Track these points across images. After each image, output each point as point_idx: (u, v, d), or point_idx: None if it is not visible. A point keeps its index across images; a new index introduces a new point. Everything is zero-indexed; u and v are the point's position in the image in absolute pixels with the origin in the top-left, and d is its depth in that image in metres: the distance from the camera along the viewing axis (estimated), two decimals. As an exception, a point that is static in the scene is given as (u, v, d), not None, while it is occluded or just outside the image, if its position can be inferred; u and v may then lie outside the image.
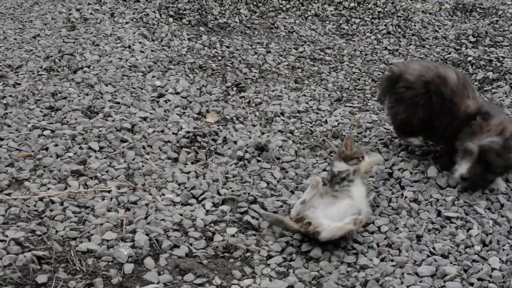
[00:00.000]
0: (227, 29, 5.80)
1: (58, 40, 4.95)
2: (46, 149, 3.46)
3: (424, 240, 2.93)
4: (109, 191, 3.13)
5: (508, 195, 3.34)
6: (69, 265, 2.62)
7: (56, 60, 4.57)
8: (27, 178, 3.20)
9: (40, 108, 3.88)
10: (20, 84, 4.23)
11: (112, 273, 2.59)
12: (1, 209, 2.93)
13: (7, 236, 2.72)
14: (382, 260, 2.80)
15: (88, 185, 3.18)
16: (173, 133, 3.70)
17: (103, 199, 3.06)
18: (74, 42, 4.92)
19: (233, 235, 2.90)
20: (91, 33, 5.15)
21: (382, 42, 5.83)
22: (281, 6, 6.46)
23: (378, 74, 5.12)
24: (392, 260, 2.80)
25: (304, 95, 4.47)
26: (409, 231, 2.99)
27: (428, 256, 2.83)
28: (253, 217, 3.02)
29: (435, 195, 3.25)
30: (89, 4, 5.90)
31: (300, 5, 6.52)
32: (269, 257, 2.79)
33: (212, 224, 2.96)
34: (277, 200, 3.17)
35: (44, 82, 4.24)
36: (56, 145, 3.47)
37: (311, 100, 4.40)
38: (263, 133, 3.87)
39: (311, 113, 4.19)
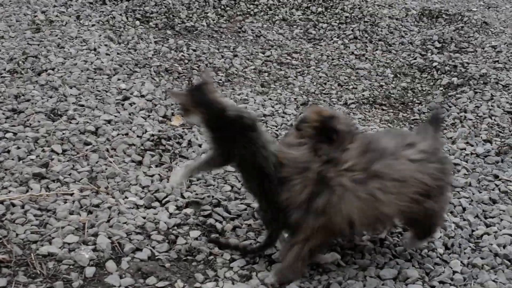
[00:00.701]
0: (194, 32, 5.79)
1: (23, 42, 4.89)
2: (8, 151, 3.40)
3: (386, 243, 2.95)
4: (71, 194, 3.10)
5: (470, 199, 3.37)
6: (29, 268, 2.59)
7: (20, 62, 4.52)
8: (-14, 180, 3.16)
9: (3, 111, 3.82)
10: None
11: (73, 276, 2.57)
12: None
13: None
14: (345, 263, 2.81)
15: (50, 188, 3.14)
16: (138, 136, 3.67)
17: (65, 202, 3.02)
18: (38, 45, 4.87)
19: (196, 238, 2.89)
20: (56, 35, 5.09)
21: (349, 47, 5.86)
22: (248, 10, 6.47)
23: (344, 79, 5.15)
24: (354, 263, 2.81)
25: (270, 98, 4.47)
26: (372, 235, 3.00)
27: (390, 259, 2.85)
28: (216, 220, 3.02)
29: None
30: (54, 6, 5.83)
31: (267, 9, 6.53)
32: (232, 260, 2.79)
33: (175, 227, 2.95)
34: (241, 203, 3.17)
35: (7, 85, 4.18)
36: (18, 148, 3.42)
37: (277, 104, 4.40)
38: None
39: (277, 117, 4.19)
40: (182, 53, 5.16)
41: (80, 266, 2.63)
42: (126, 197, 3.13)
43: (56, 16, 5.58)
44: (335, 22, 6.40)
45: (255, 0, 6.61)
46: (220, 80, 4.75)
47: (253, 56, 5.37)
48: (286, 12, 6.54)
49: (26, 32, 5.16)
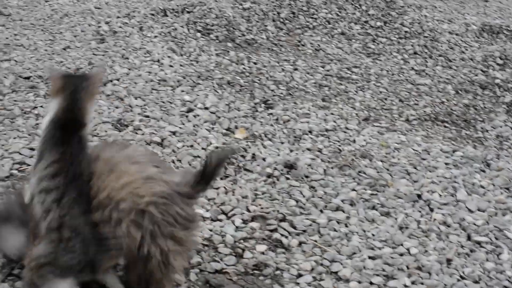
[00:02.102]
0: (254, 45, 5.82)
1: (88, 52, 4.99)
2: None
3: (454, 264, 2.92)
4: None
5: (539, 220, 3.32)
6: None
7: (86, 72, 4.61)
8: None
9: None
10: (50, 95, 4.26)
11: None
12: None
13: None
14: (413, 283, 2.79)
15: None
16: (202, 148, 3.71)
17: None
18: (103, 55, 4.96)
19: (262, 253, 2.90)
20: (120, 46, 5.18)
21: (409, 62, 5.83)
22: (307, 23, 6.48)
23: (405, 94, 5.12)
24: (422, 283, 2.79)
25: (332, 113, 4.47)
26: (439, 254, 2.98)
27: (458, 280, 2.82)
28: (282, 235, 3.03)
29: (466, 217, 3.24)
30: (118, 17, 5.94)
31: (326, 23, 6.53)
32: (299, 275, 2.79)
33: (242, 241, 2.96)
34: (306, 219, 3.17)
35: (75, 94, 4.27)
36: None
37: (338, 118, 4.40)
38: (291, 151, 3.87)
39: (339, 132, 4.19)
40: (243, 66, 5.19)
41: (149, 276, 2.67)
42: (193, 210, 3.16)
43: (120, 27, 5.67)
44: (394, 37, 6.37)
45: (313, 14, 6.62)
46: (281, 93, 4.77)
47: (313, 70, 5.38)
48: (344, 26, 6.54)
49: (91, 42, 5.26)
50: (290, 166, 3.59)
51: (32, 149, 3.56)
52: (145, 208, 2.22)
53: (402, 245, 3.03)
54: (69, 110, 2.38)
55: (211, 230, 3.00)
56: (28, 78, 4.50)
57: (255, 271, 2.79)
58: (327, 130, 4.19)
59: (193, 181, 2.33)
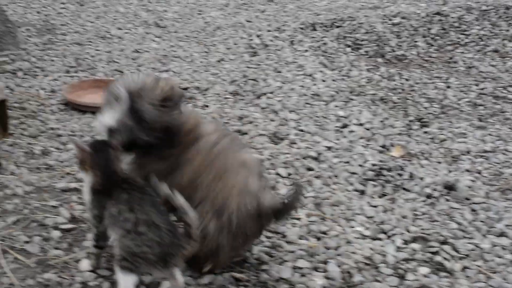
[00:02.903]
0: (404, 61, 5.74)
1: (242, 65, 5.10)
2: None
3: None
4: (298, 219, 3.16)
5: None
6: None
7: (241, 84, 4.71)
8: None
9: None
10: (208, 106, 4.39)
11: (306, 302, 2.61)
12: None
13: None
14: None
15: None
16: (359, 165, 3.69)
17: (293, 226, 3.09)
18: (256, 68, 5.05)
19: (425, 275, 2.83)
20: (273, 59, 5.26)
21: None
22: (458, 40, 6.31)
23: None
24: None
25: (489, 134, 4.32)
26: None
27: None
28: (445, 258, 2.94)
29: None
30: (268, 31, 6.04)
31: (479, 39, 6.34)
32: (470, 302, 2.71)
33: (403, 262, 2.91)
34: (469, 243, 3.07)
35: (231, 106, 4.38)
36: (246, 169, 3.55)
37: (497, 139, 4.24)
38: (450, 171, 3.77)
39: (499, 154, 4.04)
40: (394, 82, 5.13)
41: (313, 292, 2.68)
42: (352, 226, 3.15)
43: (271, 40, 5.76)
44: (552, 56, 6.10)
45: (465, 30, 6.44)
46: (435, 111, 4.66)
47: (467, 88, 5.22)
48: (498, 43, 6.32)
49: (243, 55, 5.36)
50: (449, 187, 3.50)
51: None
52: (228, 218, 2.51)
53: None
54: (105, 182, 2.49)
55: (371, 249, 2.96)
56: (185, 89, 4.65)
57: (419, 294, 2.73)
58: (485, 151, 4.06)
59: (277, 208, 2.57)
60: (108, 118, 2.54)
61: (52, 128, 3.99)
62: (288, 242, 2.96)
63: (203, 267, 2.62)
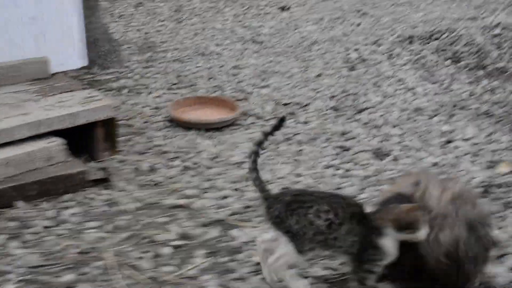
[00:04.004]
0: (506, 73, 5.59)
1: (341, 80, 5.10)
2: (340, 188, 3.56)
3: None
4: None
5: None
6: None
7: (341, 99, 4.71)
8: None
9: (332, 147, 4.00)
10: (309, 122, 4.41)
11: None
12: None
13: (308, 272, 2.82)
14: None
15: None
16: (467, 181, 3.62)
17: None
18: (356, 82, 5.04)
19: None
20: (372, 73, 5.24)
21: None
22: (563, 50, 6.11)
23: None
24: None
25: None
26: None
27: None
28: None
29: None
30: (366, 44, 6.01)
31: None
32: None
33: (519, 282, 2.84)
34: None
35: (333, 121, 4.38)
36: (352, 185, 3.55)
37: None
38: (562, 187, 3.66)
39: None
40: (497, 95, 5.01)
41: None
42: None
43: (368, 54, 5.73)
44: None
45: None
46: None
47: None
48: None
49: (341, 69, 5.36)
50: None
51: (299, 175, 3.70)
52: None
53: None
54: None
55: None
56: (286, 104, 4.69)
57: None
58: None
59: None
60: None
61: (158, 145, 4.09)
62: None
63: None
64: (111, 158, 3.86)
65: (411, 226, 2.42)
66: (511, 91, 5.11)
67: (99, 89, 4.85)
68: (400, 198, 2.51)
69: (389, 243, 2.46)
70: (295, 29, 6.73)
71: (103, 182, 3.62)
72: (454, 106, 4.68)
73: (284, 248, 2.47)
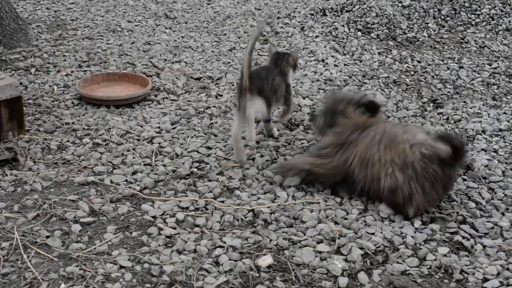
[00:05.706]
0: (416, 43, 5.71)
1: (254, 53, 5.10)
2: (253, 159, 3.57)
3: None
4: (318, 203, 3.18)
5: None
6: (285, 274, 2.68)
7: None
8: (237, 187, 3.33)
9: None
10: (221, 95, 4.40)
11: (327, 285, 2.62)
12: (216, 216, 3.06)
13: (225, 243, 2.84)
14: None
15: (296, 196, 3.24)
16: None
17: (311, 211, 3.11)
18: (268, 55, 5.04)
19: (445, 255, 2.84)
20: (284, 46, 5.26)
21: None
22: (469, 20, 6.28)
23: None
24: None
25: (504, 112, 4.30)
26: None
27: None
28: (464, 238, 2.95)
29: None
30: (278, 18, 6.03)
31: (490, 19, 6.30)
32: (485, 280, 2.71)
33: (423, 243, 2.92)
34: (488, 221, 3.08)
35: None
36: (262, 156, 3.58)
37: (512, 118, 4.24)
38: (466, 151, 3.76)
39: (515, 132, 4.03)
40: (407, 64, 5.12)
41: (333, 275, 2.69)
42: (372, 210, 3.16)
43: (281, 27, 5.75)
44: None
45: (476, 10, 6.40)
46: (449, 92, 4.65)
47: (479, 68, 5.20)
48: (509, 21, 6.28)
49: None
50: (466, 167, 3.50)
51: (209, 147, 3.69)
52: (412, 168, 3.03)
53: None
54: None
55: (391, 231, 2.98)
56: (199, 79, 4.67)
57: (439, 274, 2.74)
58: (501, 130, 4.05)
59: (451, 151, 3.04)
60: None
61: (67, 123, 4.01)
62: (307, 227, 2.98)
63: (407, 213, 3.08)
64: (18, 138, 3.76)
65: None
66: (420, 60, 5.23)
67: (5, 69, 4.71)
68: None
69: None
70: (208, 4, 6.69)
71: (10, 162, 3.53)
72: (364, 76, 4.76)
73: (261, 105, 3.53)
